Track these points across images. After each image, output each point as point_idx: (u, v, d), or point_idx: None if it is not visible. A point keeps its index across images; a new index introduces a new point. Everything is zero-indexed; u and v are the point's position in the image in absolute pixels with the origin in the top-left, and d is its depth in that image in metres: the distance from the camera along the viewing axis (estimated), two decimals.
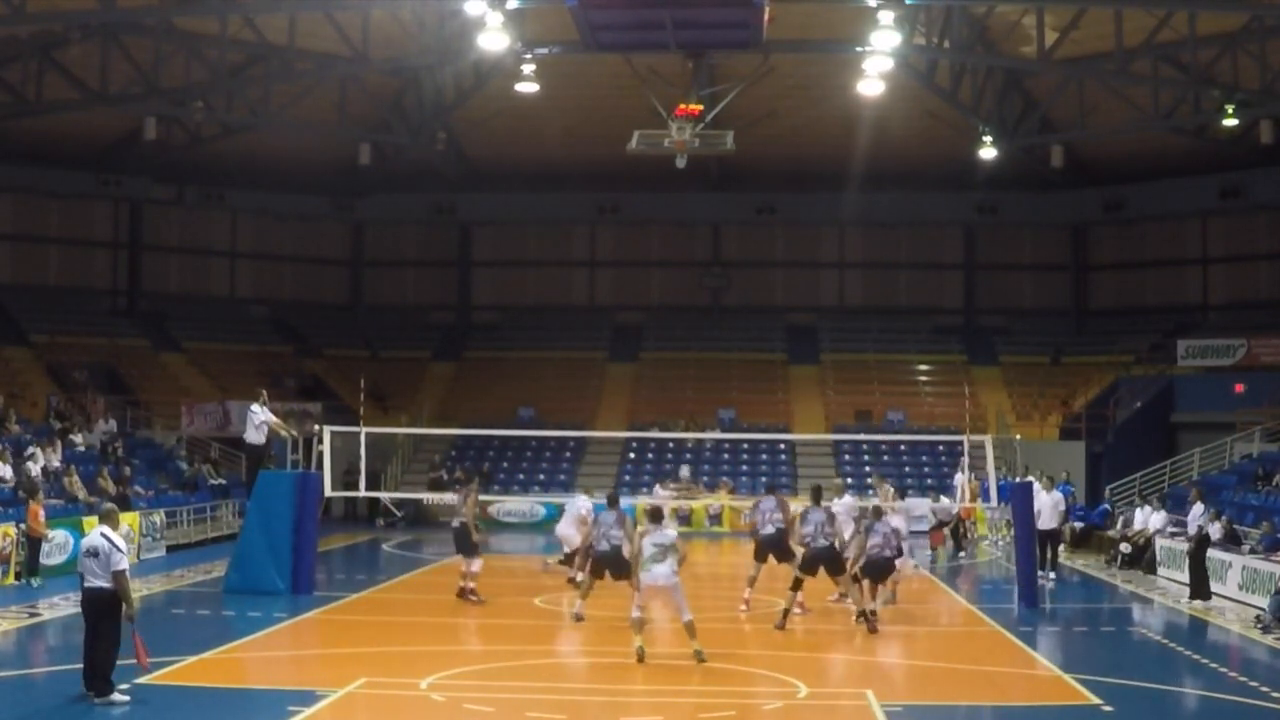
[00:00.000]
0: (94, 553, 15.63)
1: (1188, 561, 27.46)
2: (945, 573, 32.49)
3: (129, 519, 31.73)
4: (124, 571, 15.69)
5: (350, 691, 16.39)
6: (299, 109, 44.46)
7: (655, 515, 19.45)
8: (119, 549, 15.67)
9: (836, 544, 22.63)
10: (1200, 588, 26.56)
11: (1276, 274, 50.36)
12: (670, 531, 19.03)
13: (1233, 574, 26.95)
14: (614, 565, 21.45)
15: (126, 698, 15.38)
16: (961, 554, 35.79)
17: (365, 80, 43.99)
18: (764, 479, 46.89)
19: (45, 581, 26.45)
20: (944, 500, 36.19)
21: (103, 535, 15.77)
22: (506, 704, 16.25)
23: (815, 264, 57.18)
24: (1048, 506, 30.67)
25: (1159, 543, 31.85)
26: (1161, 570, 30.96)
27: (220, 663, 18.63)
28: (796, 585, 22.17)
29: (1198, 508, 27.89)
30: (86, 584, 15.69)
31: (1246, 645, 21.95)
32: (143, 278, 53.63)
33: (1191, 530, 27.33)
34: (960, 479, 34.00)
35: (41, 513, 27.43)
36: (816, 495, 23.33)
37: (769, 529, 23.57)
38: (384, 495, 42.45)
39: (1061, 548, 31.74)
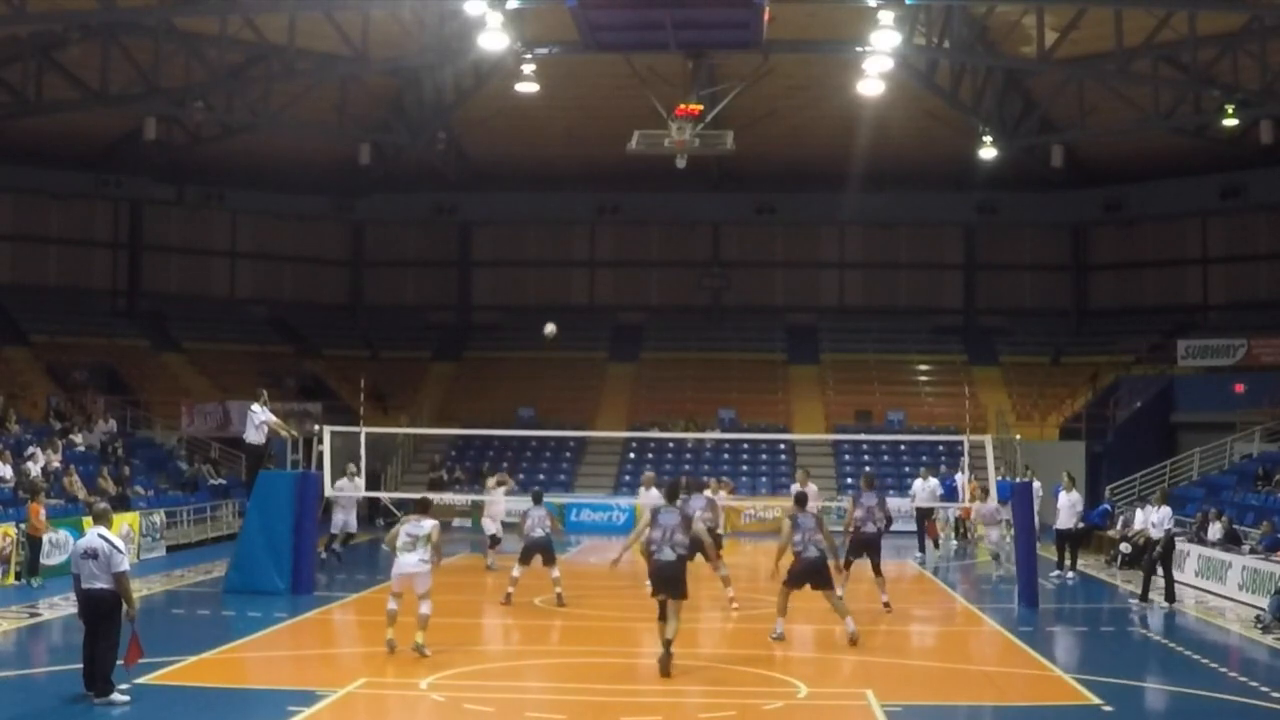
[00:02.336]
0: (93, 554, 15.52)
1: (1147, 562, 27.57)
2: (945, 572, 32.47)
3: (129, 519, 31.77)
4: (126, 573, 15.63)
5: (350, 691, 16.37)
6: (299, 109, 44.46)
7: (423, 506, 19.64)
8: (119, 550, 15.59)
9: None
10: (1169, 589, 26.53)
11: (1277, 274, 50.37)
12: (427, 523, 18.98)
13: (1233, 574, 26.93)
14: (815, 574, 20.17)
15: (126, 698, 15.34)
16: (937, 552, 35.77)
17: (365, 80, 44.00)
18: (764, 479, 47.01)
19: (45, 581, 26.42)
20: (932, 480, 36.11)
21: (101, 536, 15.67)
22: (506, 704, 16.22)
23: (815, 264, 57.19)
24: (1066, 507, 30.77)
25: None
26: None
27: (220, 663, 18.60)
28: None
29: (1164, 510, 27.92)
30: (85, 586, 15.55)
31: (1246, 645, 21.92)
32: (143, 278, 53.64)
33: (1159, 533, 27.35)
34: (960, 479, 33.94)
35: (43, 511, 27.45)
36: (673, 492, 19.98)
37: (538, 532, 24.26)
38: (384, 495, 42.38)
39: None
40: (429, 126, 47.74)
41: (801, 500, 21.23)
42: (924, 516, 35.23)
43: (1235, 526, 30.18)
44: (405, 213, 57.29)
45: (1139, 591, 26.86)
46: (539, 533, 24.60)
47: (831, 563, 20.43)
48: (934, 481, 35.47)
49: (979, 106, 44.39)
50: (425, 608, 18.71)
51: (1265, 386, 43.61)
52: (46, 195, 50.99)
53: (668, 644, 17.55)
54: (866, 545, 24.30)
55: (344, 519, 30.70)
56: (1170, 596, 26.17)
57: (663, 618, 17.96)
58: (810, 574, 19.99)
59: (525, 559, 24.72)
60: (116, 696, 15.28)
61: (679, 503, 19.58)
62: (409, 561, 18.72)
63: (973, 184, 52.08)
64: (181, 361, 50.98)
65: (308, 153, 50.69)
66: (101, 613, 15.49)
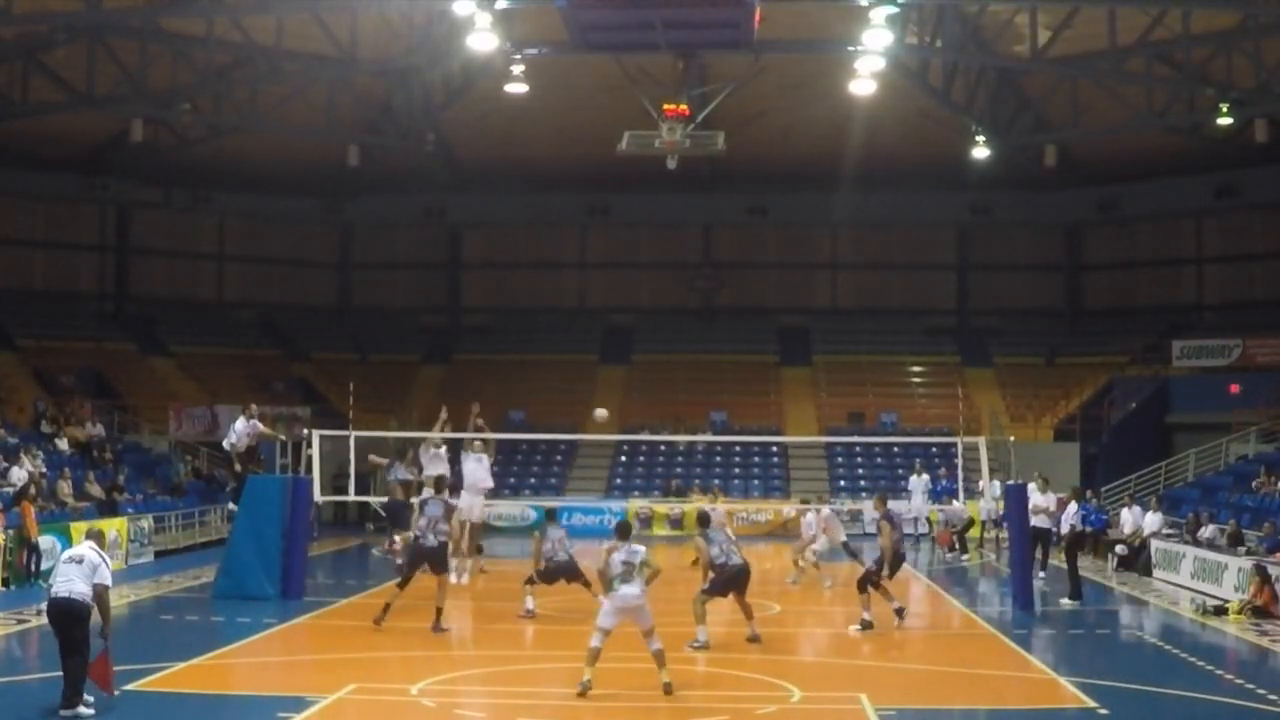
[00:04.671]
0: (79, 559, 15.22)
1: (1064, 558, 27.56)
2: (939, 576, 32.35)
3: (117, 525, 31.54)
4: (109, 587, 15.31)
5: (341, 697, 16.23)
6: (287, 111, 44.18)
7: (624, 531, 18.38)
8: (106, 563, 15.32)
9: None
10: (1075, 588, 26.64)
11: (1271, 274, 50.27)
12: (640, 548, 17.59)
13: (1229, 575, 26.78)
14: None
15: (91, 710, 14.97)
16: (965, 557, 35.82)
17: (354, 81, 43.77)
18: (756, 482, 46.83)
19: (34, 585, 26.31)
20: (955, 504, 36.25)
21: (92, 548, 15.38)
22: (498, 709, 16.11)
23: (807, 265, 57.04)
24: (1042, 508, 30.65)
25: (1154, 544, 31.70)
26: (1157, 572, 30.80)
27: (210, 669, 18.43)
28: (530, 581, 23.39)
29: (1071, 507, 27.87)
30: (58, 593, 15.15)
31: (1242, 647, 21.83)
32: (130, 281, 53.43)
33: (1064, 529, 27.32)
34: (984, 484, 33.58)
35: (33, 510, 27.39)
36: (440, 485, 23.72)
37: (561, 555, 23.36)
38: (373, 500, 42.19)
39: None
40: (418, 128, 47.45)
41: (705, 519, 21.99)
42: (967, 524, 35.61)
43: (1239, 529, 30.07)
44: (394, 215, 57.11)
45: (1149, 598, 26.73)
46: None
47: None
48: (927, 477, 35.43)
49: (972, 106, 44.21)
50: (657, 643, 16.82)
51: (1261, 387, 43.56)
52: (33, 198, 50.80)
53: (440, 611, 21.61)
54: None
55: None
56: (1075, 594, 26.43)
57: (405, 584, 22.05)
58: (736, 584, 20.64)
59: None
60: (82, 709, 14.90)
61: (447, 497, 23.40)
62: (631, 593, 16.88)
63: (966, 184, 51.94)
64: (169, 365, 50.75)
65: (296, 154, 50.48)
66: (72, 621, 15.07)
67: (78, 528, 25.29)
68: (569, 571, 23.29)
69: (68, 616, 15.11)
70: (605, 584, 17.09)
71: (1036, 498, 30.21)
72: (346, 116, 45.89)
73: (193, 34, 39.25)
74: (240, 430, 28.24)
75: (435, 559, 22.03)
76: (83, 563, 15.19)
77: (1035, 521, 30.78)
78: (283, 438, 30.29)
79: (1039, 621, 24.31)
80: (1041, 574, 30.24)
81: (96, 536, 15.99)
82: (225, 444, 28.84)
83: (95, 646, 15.23)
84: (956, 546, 36.81)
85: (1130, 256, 54.25)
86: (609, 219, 56.48)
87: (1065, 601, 26.30)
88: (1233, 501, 34.75)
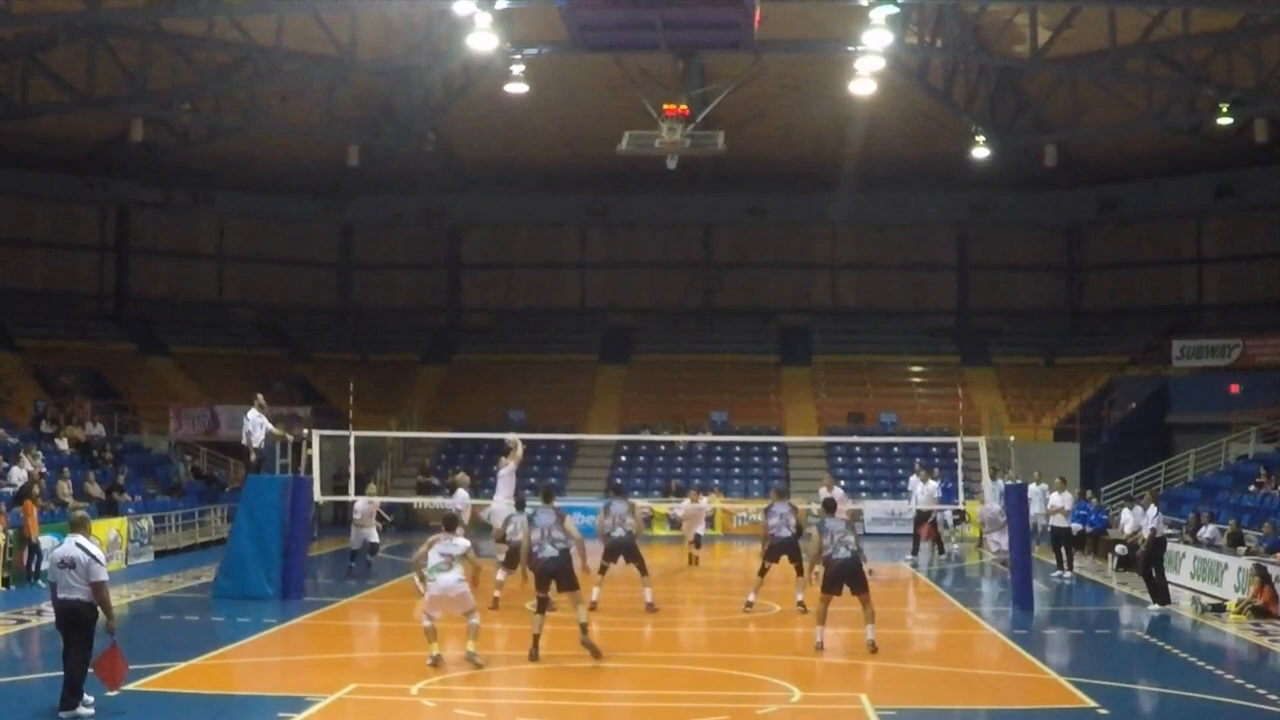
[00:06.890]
0: (70, 564, 15.06)
1: (1141, 566, 27.18)
2: (940, 576, 32.33)
3: (117, 525, 31.54)
4: (104, 583, 15.16)
5: (340, 697, 16.21)
6: (287, 111, 44.26)
7: (451, 523, 18.77)
8: (97, 560, 15.15)
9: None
10: (1161, 592, 26.21)
11: (1271, 274, 50.24)
12: (461, 541, 18.35)
13: (1229, 575, 26.80)
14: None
15: (91, 710, 14.94)
16: (941, 556, 35.74)
17: (354, 81, 43.79)
18: (756, 481, 46.83)
19: (34, 586, 26.30)
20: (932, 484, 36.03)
21: (78, 546, 15.16)
22: (498, 709, 16.12)
23: (807, 265, 57.00)
24: (1058, 507, 30.75)
25: None
26: None
27: (210, 669, 18.42)
28: (602, 571, 24.02)
29: (1151, 510, 27.54)
30: (61, 596, 15.14)
31: (1242, 647, 21.82)
32: (130, 281, 53.38)
33: (1145, 533, 27.19)
34: (984, 483, 33.55)
35: (35, 511, 27.42)
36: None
37: (618, 532, 24.01)
38: (374, 500, 42.14)
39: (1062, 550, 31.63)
40: (418, 128, 47.49)
41: (830, 506, 20.82)
42: (922, 519, 35.09)
43: (1239, 529, 30.05)
44: (394, 215, 57.06)
45: (1148, 597, 26.53)
46: (620, 532, 23.96)
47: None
48: (934, 484, 35.24)
49: (972, 106, 44.23)
50: (475, 619, 18.17)
51: (1261, 387, 43.51)
52: (33, 198, 50.74)
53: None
54: (786, 550, 24.10)
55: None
56: (1163, 599, 25.96)
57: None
58: (845, 577, 19.72)
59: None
60: (82, 710, 14.87)
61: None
62: (448, 582, 18.04)
63: (966, 184, 51.93)
64: (169, 365, 50.72)
65: (296, 155, 50.49)
66: (76, 623, 15.08)
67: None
68: (627, 549, 23.97)
69: (73, 617, 15.12)
70: (420, 575, 18.30)
71: (1054, 498, 30.30)
72: (346, 116, 45.92)
73: (193, 34, 39.29)
74: (255, 420, 28.18)
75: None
76: (74, 566, 15.03)
77: (1054, 521, 30.96)
78: (289, 436, 30.31)
79: (1039, 621, 24.30)
80: (1059, 574, 30.33)
81: (79, 525, 15.65)
82: (244, 441, 28.71)
83: (101, 643, 15.21)
84: (938, 546, 36.26)
85: (1130, 256, 54.20)
86: (609, 219, 56.43)
87: (1153, 607, 25.87)
88: (1233, 501, 34.72)
